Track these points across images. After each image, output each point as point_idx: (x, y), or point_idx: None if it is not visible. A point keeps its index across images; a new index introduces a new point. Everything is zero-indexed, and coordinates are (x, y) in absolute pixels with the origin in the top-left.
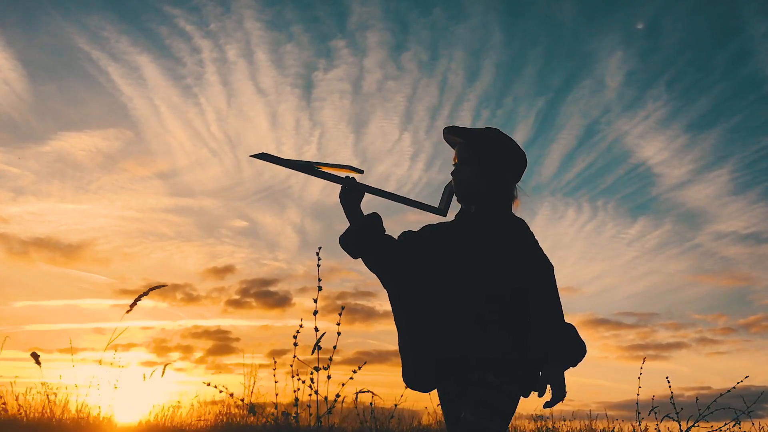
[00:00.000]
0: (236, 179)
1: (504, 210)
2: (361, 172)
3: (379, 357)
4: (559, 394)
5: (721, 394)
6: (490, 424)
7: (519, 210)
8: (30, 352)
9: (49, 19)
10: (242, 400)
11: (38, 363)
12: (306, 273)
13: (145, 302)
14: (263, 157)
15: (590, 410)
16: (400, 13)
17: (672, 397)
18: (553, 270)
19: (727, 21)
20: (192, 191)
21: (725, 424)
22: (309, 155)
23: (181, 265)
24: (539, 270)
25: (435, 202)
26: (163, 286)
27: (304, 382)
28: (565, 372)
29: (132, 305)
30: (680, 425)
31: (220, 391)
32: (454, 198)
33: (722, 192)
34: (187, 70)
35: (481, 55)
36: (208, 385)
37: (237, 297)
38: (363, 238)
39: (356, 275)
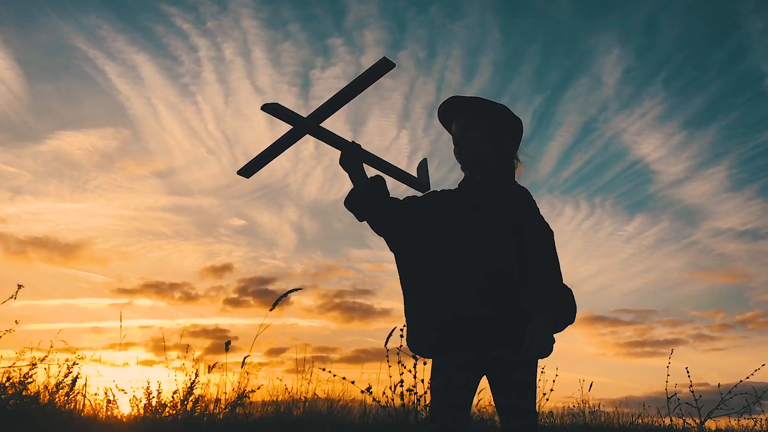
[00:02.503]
0: (234, 178)
1: (507, 178)
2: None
3: (377, 355)
4: (542, 348)
5: (735, 386)
6: (528, 402)
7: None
8: (225, 342)
9: (45, 18)
10: (353, 382)
11: (227, 350)
12: (304, 271)
13: (142, 301)
14: (273, 108)
15: (600, 404)
16: (397, 11)
17: (692, 390)
18: (552, 235)
19: (723, 18)
20: (190, 190)
21: (745, 406)
22: (306, 153)
23: (179, 264)
24: (538, 234)
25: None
26: (299, 289)
27: (408, 369)
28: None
29: (273, 305)
30: (701, 417)
31: (336, 376)
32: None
33: (719, 189)
34: (184, 68)
35: (479, 52)
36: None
37: (235, 296)
38: (367, 199)
39: (354, 273)
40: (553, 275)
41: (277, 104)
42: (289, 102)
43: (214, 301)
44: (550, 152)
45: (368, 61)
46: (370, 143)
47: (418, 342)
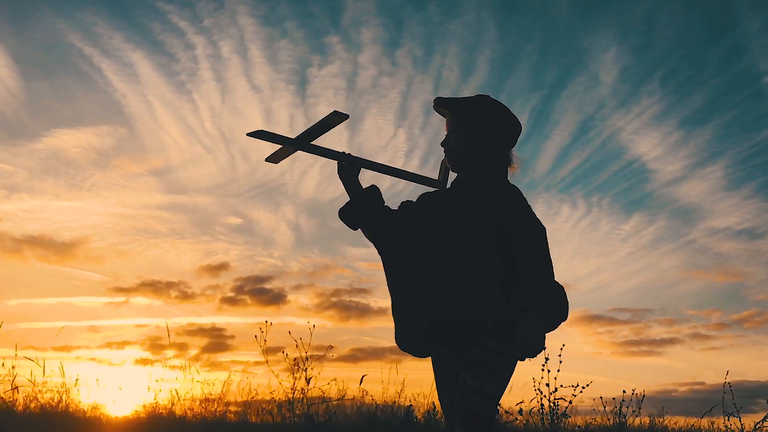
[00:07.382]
0: (230, 176)
1: (496, 176)
2: (346, 116)
3: (373, 353)
4: (535, 346)
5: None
6: (491, 384)
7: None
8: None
9: (41, 15)
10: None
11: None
12: (300, 270)
13: (138, 299)
14: (260, 134)
15: (612, 403)
16: (394, 8)
17: (732, 392)
18: (544, 231)
19: (720, 17)
20: (186, 188)
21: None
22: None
23: (175, 263)
24: (528, 230)
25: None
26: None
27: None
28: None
29: None
30: (741, 420)
31: None
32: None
33: (716, 188)
34: (180, 66)
35: (476, 50)
36: None
37: (232, 294)
38: (360, 209)
39: (351, 272)
40: (543, 272)
41: (262, 131)
42: (286, 100)
43: (210, 299)
44: (547, 151)
45: (365, 59)
46: (366, 141)
47: (409, 342)
